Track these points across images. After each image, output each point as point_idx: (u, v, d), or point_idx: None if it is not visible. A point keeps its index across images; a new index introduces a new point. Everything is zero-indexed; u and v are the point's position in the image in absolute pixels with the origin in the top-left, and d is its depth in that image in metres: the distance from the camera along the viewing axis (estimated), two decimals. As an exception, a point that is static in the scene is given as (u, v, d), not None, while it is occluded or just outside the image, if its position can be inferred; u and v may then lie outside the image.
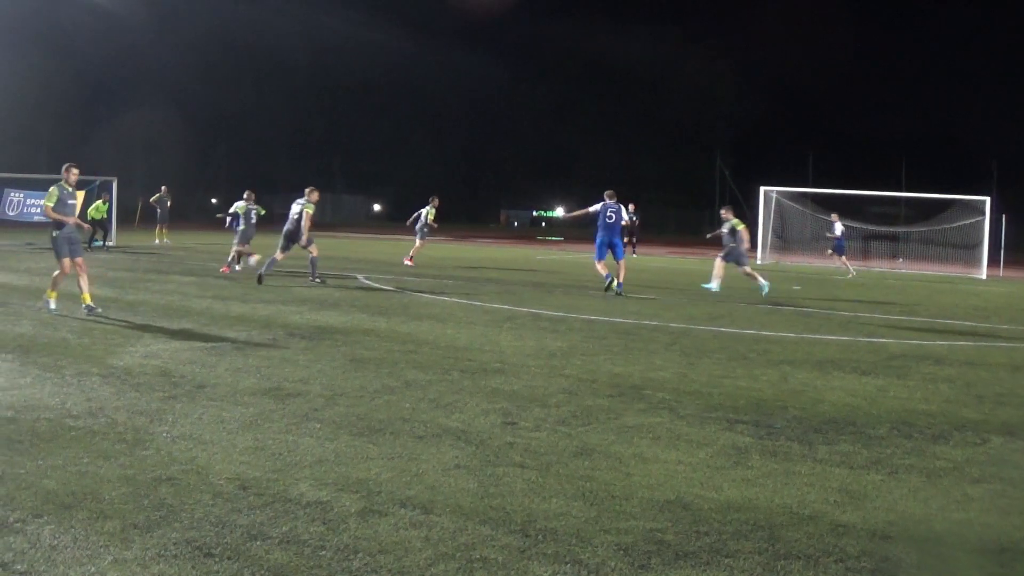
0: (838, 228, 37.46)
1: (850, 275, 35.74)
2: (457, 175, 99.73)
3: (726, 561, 5.89)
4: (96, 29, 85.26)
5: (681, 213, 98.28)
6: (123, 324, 15.38)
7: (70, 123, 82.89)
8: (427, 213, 33.79)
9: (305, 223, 23.72)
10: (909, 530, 6.65)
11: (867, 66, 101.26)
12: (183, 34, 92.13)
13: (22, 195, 39.87)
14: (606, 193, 24.08)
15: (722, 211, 26.36)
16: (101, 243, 37.06)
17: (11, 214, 39.54)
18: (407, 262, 32.80)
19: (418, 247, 34.03)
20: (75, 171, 16.69)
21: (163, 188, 42.56)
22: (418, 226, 33.99)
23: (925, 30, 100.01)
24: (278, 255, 23.66)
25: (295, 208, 24.10)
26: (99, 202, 37.86)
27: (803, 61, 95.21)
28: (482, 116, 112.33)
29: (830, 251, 38.28)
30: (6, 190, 39.55)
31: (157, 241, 40.85)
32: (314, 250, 24.21)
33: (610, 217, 23.78)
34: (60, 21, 79.13)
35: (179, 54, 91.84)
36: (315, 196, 24.39)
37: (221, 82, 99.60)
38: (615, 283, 23.32)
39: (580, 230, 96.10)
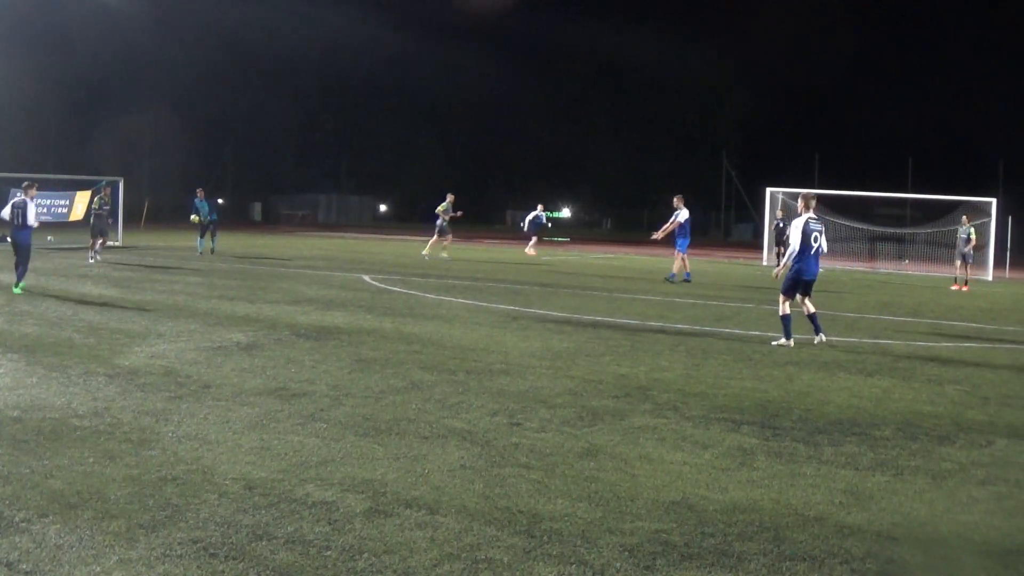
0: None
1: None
2: (464, 175, 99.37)
3: (731, 562, 5.90)
4: (101, 28, 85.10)
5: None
6: (129, 324, 15.40)
7: (73, 123, 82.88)
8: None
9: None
10: (914, 532, 6.66)
11: (873, 66, 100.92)
12: (189, 34, 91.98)
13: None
14: (678, 198, 29.36)
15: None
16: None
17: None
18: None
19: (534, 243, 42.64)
20: None
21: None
22: (526, 226, 43.19)
23: (931, 29, 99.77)
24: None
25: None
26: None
27: (809, 61, 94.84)
28: (489, 116, 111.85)
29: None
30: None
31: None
32: None
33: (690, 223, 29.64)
34: (63, 21, 79.01)
35: (185, 54, 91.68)
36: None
37: (227, 82, 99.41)
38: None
39: (586, 230, 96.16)
